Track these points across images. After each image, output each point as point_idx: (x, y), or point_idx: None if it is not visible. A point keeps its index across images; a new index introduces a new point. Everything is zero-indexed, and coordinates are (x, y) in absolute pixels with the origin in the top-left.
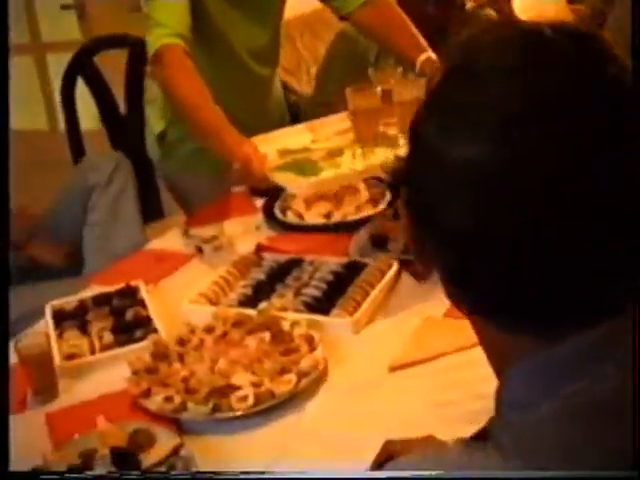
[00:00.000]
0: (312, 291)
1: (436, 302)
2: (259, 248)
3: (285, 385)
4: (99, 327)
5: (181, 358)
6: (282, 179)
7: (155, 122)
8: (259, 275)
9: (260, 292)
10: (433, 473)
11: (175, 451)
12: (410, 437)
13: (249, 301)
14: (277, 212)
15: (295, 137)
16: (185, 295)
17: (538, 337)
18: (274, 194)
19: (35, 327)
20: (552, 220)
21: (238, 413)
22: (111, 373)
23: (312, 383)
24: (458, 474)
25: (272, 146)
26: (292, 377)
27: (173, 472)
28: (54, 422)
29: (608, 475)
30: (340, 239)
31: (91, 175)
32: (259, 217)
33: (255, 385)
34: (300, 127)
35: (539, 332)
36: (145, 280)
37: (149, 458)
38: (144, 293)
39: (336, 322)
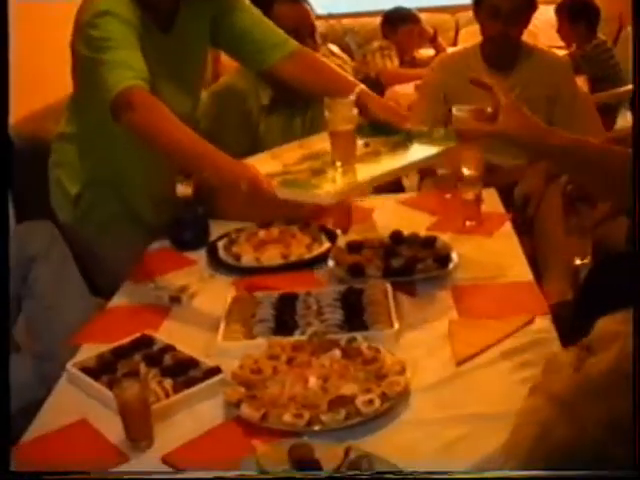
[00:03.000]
0: (334, 315)
1: (439, 308)
2: (250, 287)
3: (396, 386)
4: (153, 373)
5: (264, 386)
6: (293, 194)
7: (70, 185)
8: (268, 310)
9: (285, 323)
10: None
11: (347, 453)
12: None
13: (280, 331)
14: (229, 259)
15: (265, 164)
16: (192, 340)
17: None
18: (210, 244)
19: (59, 388)
20: None
21: (371, 415)
22: (194, 412)
23: (407, 383)
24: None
25: None
26: (398, 378)
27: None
28: (176, 460)
29: (608, 475)
30: (307, 275)
31: (28, 246)
32: (200, 267)
33: (367, 391)
34: (262, 156)
35: None
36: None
37: (327, 466)
38: (162, 338)
39: (382, 334)
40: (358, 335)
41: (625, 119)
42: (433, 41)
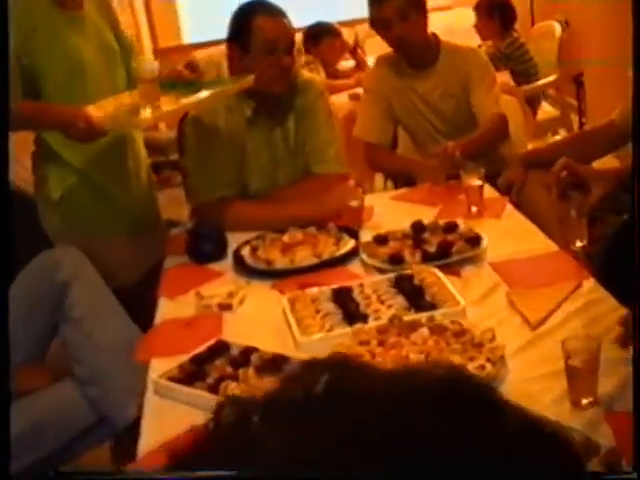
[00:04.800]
0: (397, 301)
1: (488, 283)
2: (301, 286)
3: (498, 351)
4: (250, 373)
5: None
6: (118, 125)
7: (54, 187)
8: (330, 304)
9: (354, 314)
10: None
11: None
12: None
13: (353, 321)
14: (260, 265)
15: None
16: (261, 342)
17: None
18: (234, 253)
19: (149, 403)
20: None
21: (486, 379)
22: None
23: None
24: None
25: None
26: (495, 344)
27: None
28: None
29: (608, 477)
30: (342, 270)
31: (57, 272)
32: (230, 277)
33: (471, 359)
34: (89, 107)
35: None
36: (203, 341)
37: None
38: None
39: (452, 312)
40: (433, 314)
41: (543, 111)
42: (353, 52)
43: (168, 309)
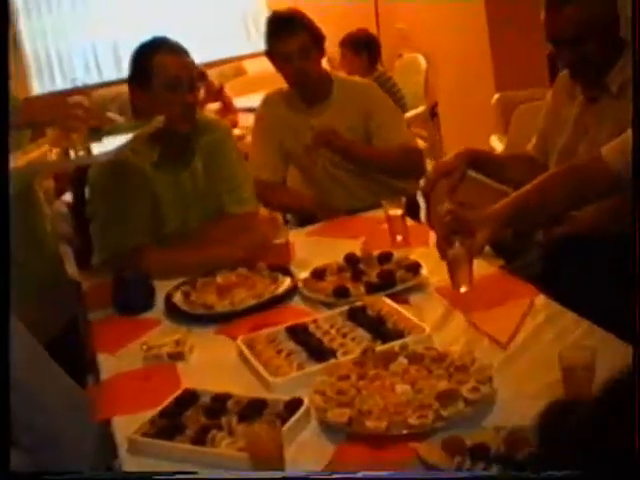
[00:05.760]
0: (359, 333)
1: (441, 309)
2: (256, 327)
3: (485, 371)
4: (234, 422)
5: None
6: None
7: None
8: (290, 343)
9: (319, 350)
10: None
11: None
12: None
13: (321, 358)
14: (200, 310)
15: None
16: (223, 388)
17: None
18: (166, 300)
19: (127, 462)
20: None
21: (482, 401)
22: (300, 446)
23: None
24: None
25: None
26: (481, 365)
27: None
28: None
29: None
30: (285, 308)
31: None
32: (167, 326)
33: (460, 382)
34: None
35: None
36: (169, 393)
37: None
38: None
39: (420, 338)
40: (404, 341)
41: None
42: (219, 94)
43: (113, 364)
